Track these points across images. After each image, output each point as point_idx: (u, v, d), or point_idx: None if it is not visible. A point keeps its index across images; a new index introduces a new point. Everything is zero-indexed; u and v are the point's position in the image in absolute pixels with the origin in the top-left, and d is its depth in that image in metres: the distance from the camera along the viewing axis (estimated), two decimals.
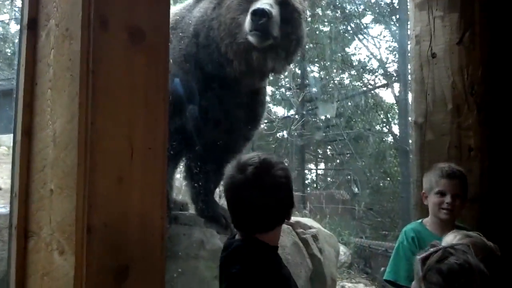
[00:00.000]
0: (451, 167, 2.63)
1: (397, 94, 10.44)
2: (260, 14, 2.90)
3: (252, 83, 3.33)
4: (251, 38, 2.99)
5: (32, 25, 1.62)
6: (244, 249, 1.77)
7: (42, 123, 1.50)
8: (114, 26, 1.48)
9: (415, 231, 2.66)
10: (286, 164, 1.85)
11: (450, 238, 2.11)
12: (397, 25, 10.62)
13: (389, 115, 11.66)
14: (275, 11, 3.00)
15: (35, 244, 1.47)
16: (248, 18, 2.97)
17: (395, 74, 11.12)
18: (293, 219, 4.38)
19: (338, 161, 13.04)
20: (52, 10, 1.57)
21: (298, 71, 13.61)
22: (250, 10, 2.97)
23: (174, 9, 3.55)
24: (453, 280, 1.62)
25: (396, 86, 10.59)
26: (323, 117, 12.96)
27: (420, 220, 2.75)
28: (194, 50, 3.25)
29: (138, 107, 1.51)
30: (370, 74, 12.82)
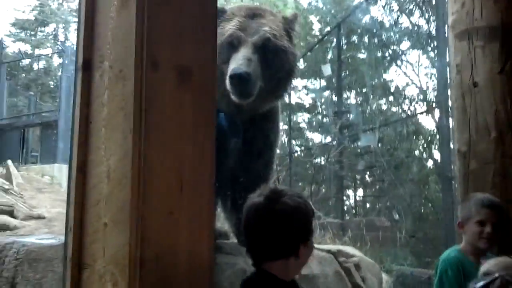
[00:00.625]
0: (489, 197, 2.69)
1: (437, 120, 10.34)
2: (237, 78, 2.89)
3: (253, 110, 3.29)
4: (233, 98, 2.98)
5: (87, 66, 1.71)
6: (249, 280, 1.86)
7: (97, 160, 1.58)
8: (164, 66, 1.56)
9: (458, 259, 2.68)
10: (302, 198, 1.87)
11: (492, 264, 2.13)
12: (435, 52, 10.57)
13: (430, 141, 11.51)
14: (253, 65, 2.97)
15: (89, 276, 1.53)
16: (227, 78, 2.94)
17: (434, 101, 11.02)
18: (335, 247, 4.36)
19: (377, 187, 12.91)
20: (105, 52, 1.65)
21: (335, 98, 13.65)
22: (229, 71, 2.94)
23: None
24: None
25: (436, 112, 10.47)
26: (360, 144, 12.89)
27: (457, 248, 2.76)
28: None
29: (187, 143, 1.57)
30: (409, 100, 12.75)
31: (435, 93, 11.19)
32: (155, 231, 1.44)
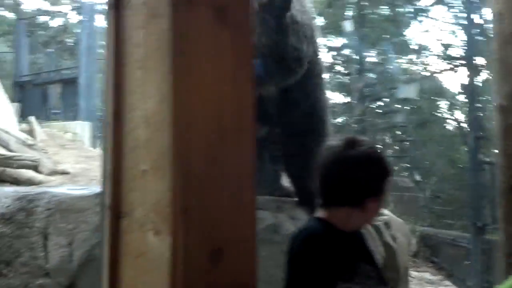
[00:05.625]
0: None
1: (464, 78, 10.08)
2: None
3: None
4: None
5: (118, 5, 1.61)
6: (300, 229, 1.87)
7: (132, 104, 1.49)
8: (198, 3, 1.45)
9: None
10: (381, 155, 1.85)
11: None
12: (464, 6, 10.22)
13: (454, 101, 11.29)
14: None
15: (128, 224, 1.46)
16: None
17: (460, 58, 10.72)
18: None
19: (398, 148, 12.75)
20: None
21: (356, 57, 13.35)
22: None
23: None
24: None
25: (461, 70, 10.20)
26: (382, 103, 12.70)
27: None
28: None
29: (226, 85, 1.47)
30: (433, 58, 12.46)
31: (459, 50, 10.90)
32: (198, 178, 1.36)
